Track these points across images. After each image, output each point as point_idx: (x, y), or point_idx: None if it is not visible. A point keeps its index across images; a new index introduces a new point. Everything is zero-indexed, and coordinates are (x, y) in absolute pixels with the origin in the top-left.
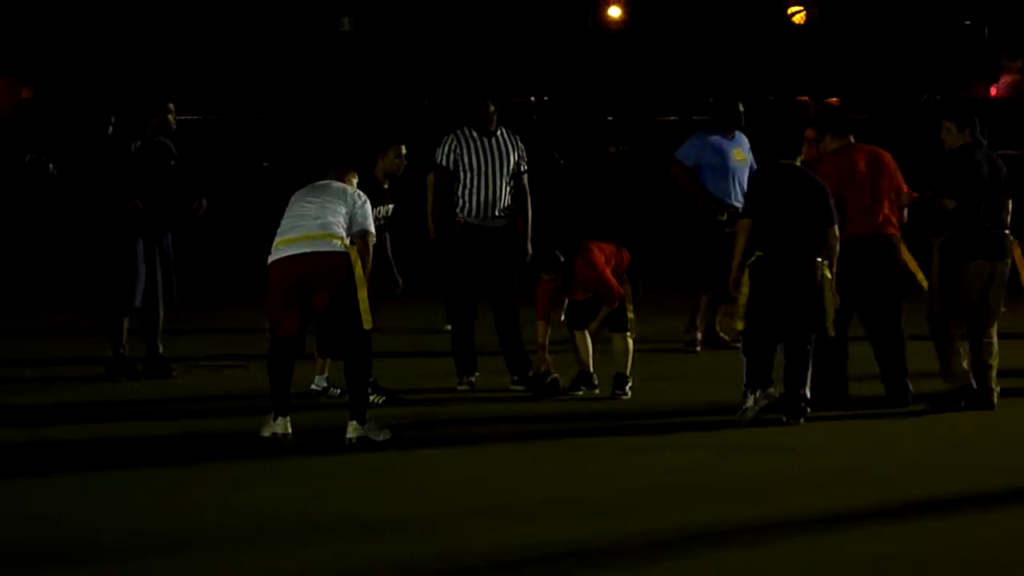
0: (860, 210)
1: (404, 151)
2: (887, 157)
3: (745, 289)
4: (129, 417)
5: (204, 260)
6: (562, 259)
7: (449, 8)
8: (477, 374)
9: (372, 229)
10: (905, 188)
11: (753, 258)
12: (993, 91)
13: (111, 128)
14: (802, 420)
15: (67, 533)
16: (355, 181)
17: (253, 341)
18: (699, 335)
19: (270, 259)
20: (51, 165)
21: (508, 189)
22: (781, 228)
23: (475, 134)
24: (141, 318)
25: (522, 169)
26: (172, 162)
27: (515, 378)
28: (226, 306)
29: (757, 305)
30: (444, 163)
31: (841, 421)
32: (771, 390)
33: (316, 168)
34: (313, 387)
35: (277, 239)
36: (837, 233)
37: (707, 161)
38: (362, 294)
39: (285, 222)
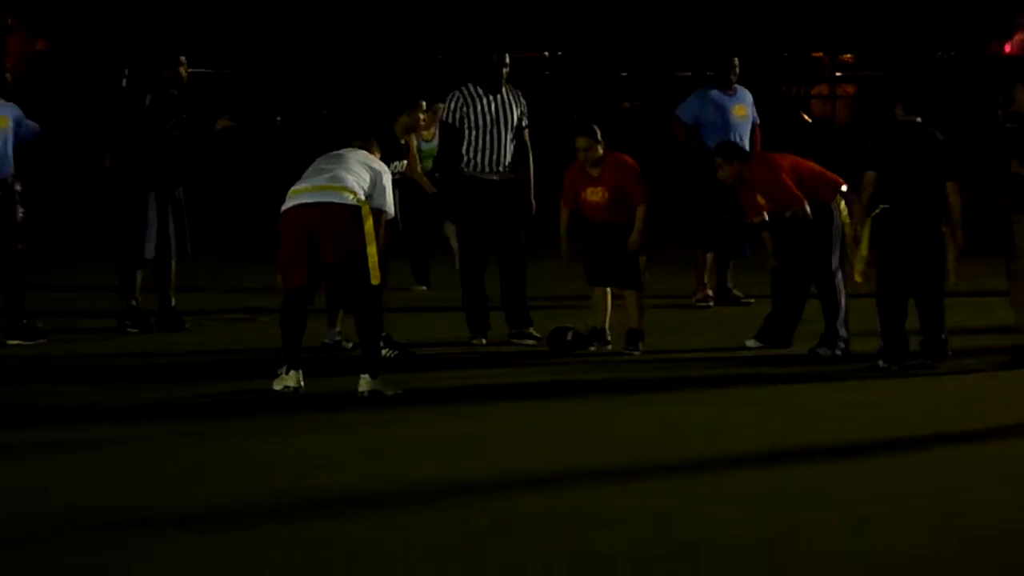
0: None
1: (425, 106)
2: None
3: (865, 241)
4: (141, 370)
5: (217, 213)
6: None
7: None
8: (489, 330)
9: (390, 208)
10: None
11: (877, 211)
12: (1008, 48)
13: (124, 81)
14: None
15: (67, 487)
16: (379, 154)
17: (265, 295)
18: (710, 292)
19: (282, 208)
20: (108, 156)
21: (512, 145)
22: (905, 182)
23: (480, 91)
24: (154, 271)
25: (524, 124)
26: (184, 115)
27: (513, 332)
28: (239, 260)
29: (885, 258)
30: (450, 120)
31: (841, 382)
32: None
33: (333, 125)
34: (326, 340)
35: (290, 191)
36: (957, 188)
37: (707, 118)
38: (371, 249)
39: (301, 179)
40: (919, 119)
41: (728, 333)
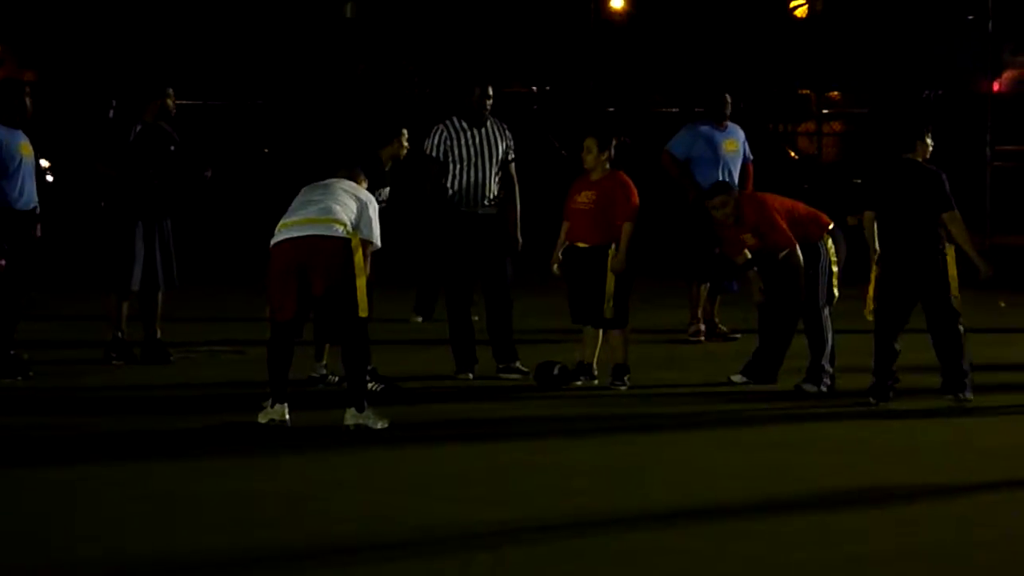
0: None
1: (406, 136)
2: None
3: (873, 281)
4: (125, 402)
5: (204, 245)
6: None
7: None
8: (476, 364)
9: (376, 239)
10: None
11: (879, 254)
12: (996, 86)
13: (112, 112)
14: (967, 394)
15: (53, 519)
16: (365, 184)
17: (251, 327)
18: (702, 327)
19: (272, 241)
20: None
21: (496, 178)
22: (901, 219)
23: (464, 124)
24: (140, 302)
25: (510, 158)
26: (172, 147)
27: (500, 366)
28: (225, 292)
29: (884, 295)
30: (434, 154)
31: (824, 421)
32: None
33: (318, 156)
34: (312, 374)
35: (281, 222)
36: (957, 216)
37: (699, 153)
38: (360, 282)
39: (289, 210)
40: (917, 157)
41: (715, 368)
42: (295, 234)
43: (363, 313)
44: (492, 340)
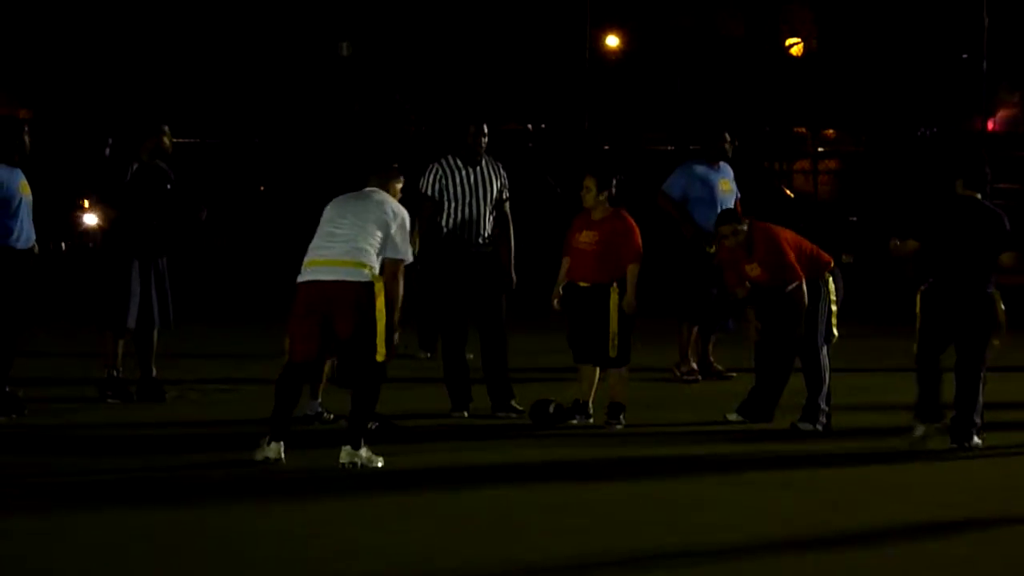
0: None
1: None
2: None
3: (919, 315)
4: (120, 441)
5: (200, 283)
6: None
7: (447, 34)
8: (471, 402)
9: (408, 255)
10: None
11: (925, 285)
12: (990, 125)
13: (108, 150)
14: (974, 442)
15: (54, 561)
16: (399, 187)
17: (246, 366)
18: (694, 365)
19: (299, 279)
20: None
21: (491, 217)
22: (956, 257)
23: (459, 163)
24: (136, 341)
25: (504, 197)
26: (168, 185)
27: (495, 404)
28: (221, 330)
29: (929, 331)
30: (429, 193)
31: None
32: (939, 424)
33: (320, 192)
34: (307, 412)
35: (308, 257)
36: (1015, 257)
37: (695, 193)
38: (380, 326)
39: (317, 239)
40: (979, 195)
41: (711, 407)
42: (321, 277)
43: (380, 357)
44: (487, 378)
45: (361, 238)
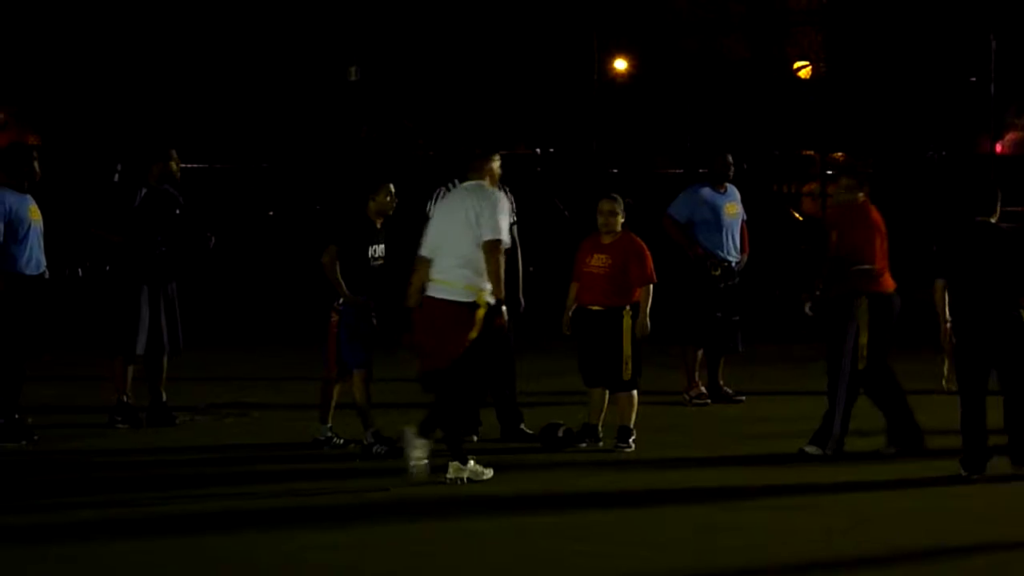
0: None
1: (393, 190)
2: None
3: (948, 348)
4: (130, 467)
5: (209, 308)
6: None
7: (456, 59)
8: (480, 427)
9: (501, 236)
10: None
11: (953, 317)
12: (999, 148)
13: (117, 176)
14: None
15: None
16: (496, 165)
17: (257, 390)
18: (703, 389)
19: (425, 293)
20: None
21: None
22: (980, 285)
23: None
24: (145, 366)
25: (512, 220)
26: (177, 210)
27: (504, 428)
28: (230, 355)
29: (964, 363)
30: None
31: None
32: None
33: (322, 217)
34: (318, 437)
35: (433, 269)
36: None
37: (700, 216)
38: (472, 333)
39: (430, 244)
40: (992, 219)
41: (720, 431)
42: (437, 294)
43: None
44: (496, 402)
45: (465, 246)
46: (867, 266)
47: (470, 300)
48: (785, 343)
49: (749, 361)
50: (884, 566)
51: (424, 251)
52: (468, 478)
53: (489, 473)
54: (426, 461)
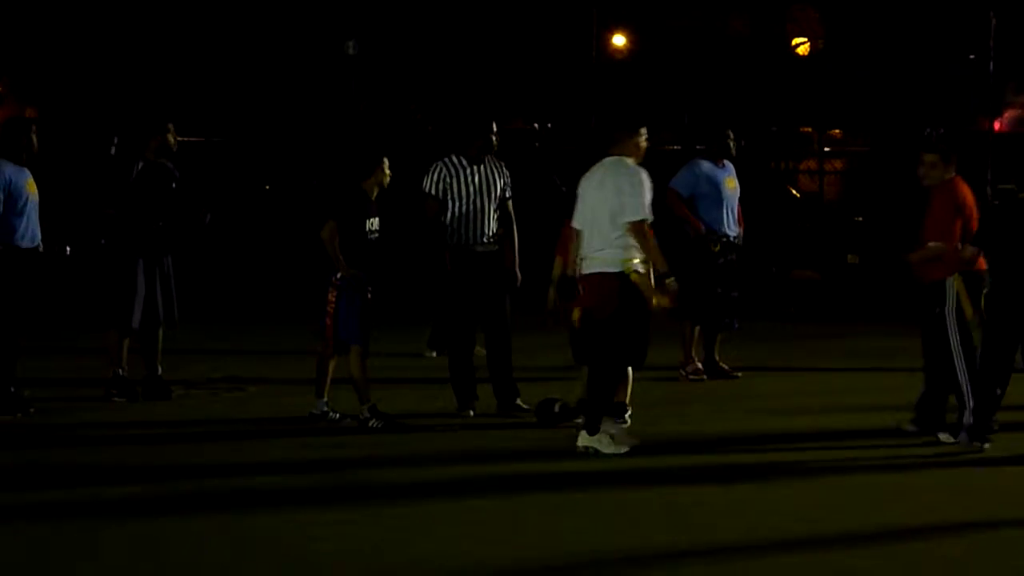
0: None
1: (387, 164)
2: None
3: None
4: (127, 439)
5: (205, 282)
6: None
7: (454, 34)
8: (477, 401)
9: (638, 214)
10: None
11: (986, 288)
12: (997, 126)
13: (114, 149)
14: None
15: (52, 559)
16: (642, 139)
17: (252, 364)
18: (699, 365)
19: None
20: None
21: (495, 215)
22: (1013, 258)
23: (463, 162)
24: (141, 339)
25: (508, 195)
26: (173, 184)
27: (501, 403)
28: (227, 328)
29: (992, 332)
30: (433, 192)
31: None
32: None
33: (319, 191)
34: (313, 411)
35: (584, 246)
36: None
37: (702, 191)
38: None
39: (580, 218)
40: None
41: (715, 408)
42: (585, 270)
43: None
44: (492, 377)
45: (609, 224)
46: (958, 247)
47: (618, 270)
48: (781, 320)
49: (745, 337)
50: (872, 543)
51: (576, 223)
52: (598, 449)
53: (621, 448)
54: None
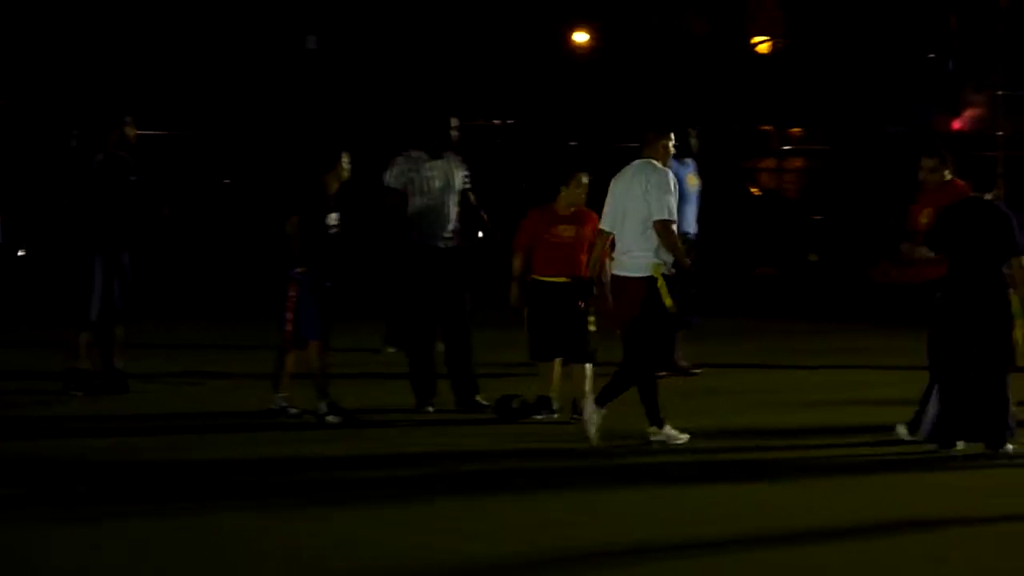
0: None
1: (347, 158)
2: None
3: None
4: (85, 433)
5: (164, 276)
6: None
7: (415, 30)
8: (436, 397)
9: (668, 215)
10: None
11: (942, 291)
12: (956, 124)
13: (74, 142)
14: (1007, 448)
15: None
16: (670, 143)
17: (211, 358)
18: None
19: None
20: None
21: (456, 210)
22: (969, 261)
23: (423, 156)
24: (99, 333)
25: (467, 187)
26: (132, 177)
27: (460, 399)
28: (185, 322)
29: (948, 339)
30: (394, 185)
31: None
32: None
33: (277, 186)
34: (271, 407)
35: (615, 247)
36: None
37: None
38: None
39: (609, 220)
40: (988, 196)
41: (676, 403)
42: (616, 272)
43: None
44: (452, 374)
45: (636, 223)
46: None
47: (647, 275)
48: (740, 316)
49: (704, 334)
50: (842, 540)
51: (604, 224)
52: (663, 441)
53: (684, 438)
54: (596, 428)
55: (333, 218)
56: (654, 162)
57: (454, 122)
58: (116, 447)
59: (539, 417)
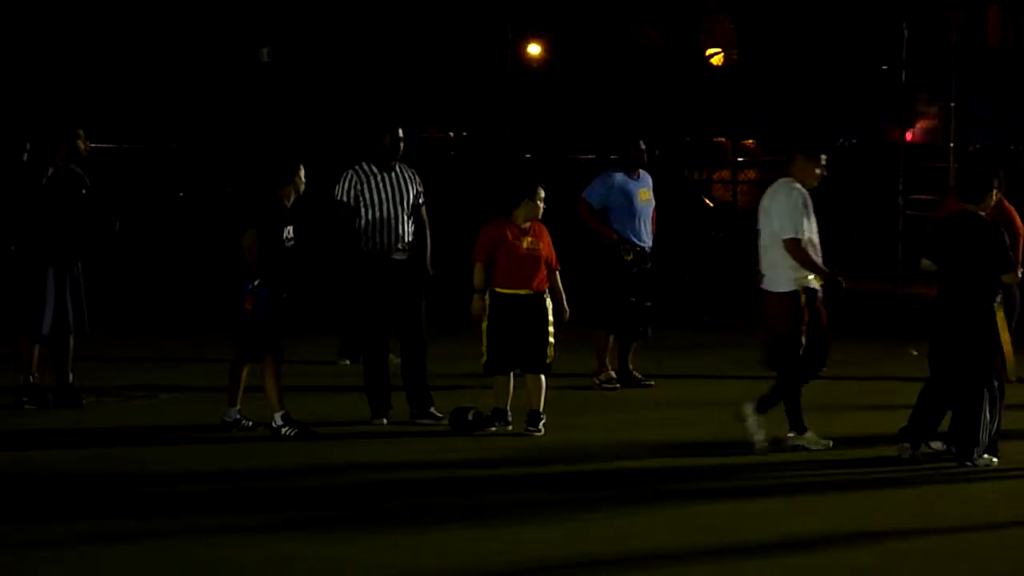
0: None
1: (303, 171)
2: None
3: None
4: (38, 447)
5: (116, 289)
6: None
7: (370, 41)
8: (391, 409)
9: (790, 233)
10: None
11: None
12: (909, 136)
13: (26, 155)
14: (977, 460)
15: None
16: (818, 168)
17: (164, 372)
18: (613, 374)
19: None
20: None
21: (409, 222)
22: (957, 273)
23: (375, 169)
24: (51, 346)
25: (421, 201)
26: (83, 190)
27: (415, 411)
28: (138, 336)
29: (933, 349)
30: (345, 199)
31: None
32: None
33: (233, 199)
34: (225, 419)
35: (763, 263)
36: (1018, 276)
37: (614, 202)
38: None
39: (763, 238)
40: (982, 211)
41: (627, 414)
42: (763, 287)
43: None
44: (407, 385)
45: (773, 248)
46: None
47: (790, 290)
48: (694, 329)
49: (658, 346)
50: (779, 553)
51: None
52: (805, 446)
53: (826, 444)
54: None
55: (289, 231)
56: (793, 183)
57: (400, 133)
58: (67, 461)
59: (493, 429)
